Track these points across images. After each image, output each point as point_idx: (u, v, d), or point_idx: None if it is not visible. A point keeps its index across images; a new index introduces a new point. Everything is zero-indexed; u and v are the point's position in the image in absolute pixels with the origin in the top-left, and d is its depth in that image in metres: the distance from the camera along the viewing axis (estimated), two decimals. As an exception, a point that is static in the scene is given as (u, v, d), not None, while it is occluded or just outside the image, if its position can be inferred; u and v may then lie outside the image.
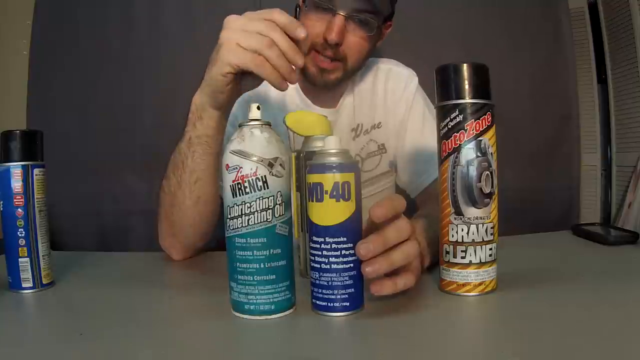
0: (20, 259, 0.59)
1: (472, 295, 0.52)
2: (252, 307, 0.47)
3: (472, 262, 0.52)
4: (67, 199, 1.27)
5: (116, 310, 0.53)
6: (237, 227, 0.47)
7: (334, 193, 0.46)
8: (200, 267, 0.74)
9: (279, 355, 0.42)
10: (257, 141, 0.47)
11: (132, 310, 0.54)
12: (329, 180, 0.46)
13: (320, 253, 0.47)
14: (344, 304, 0.47)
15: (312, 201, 0.48)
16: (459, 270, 0.52)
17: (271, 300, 0.47)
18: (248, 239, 0.47)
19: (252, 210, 0.46)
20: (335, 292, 0.47)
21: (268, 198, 0.46)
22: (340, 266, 0.47)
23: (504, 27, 1.40)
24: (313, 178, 0.47)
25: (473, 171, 0.51)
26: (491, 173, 0.52)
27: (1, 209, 0.59)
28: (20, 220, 0.58)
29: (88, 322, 0.50)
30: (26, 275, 0.59)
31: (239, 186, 0.46)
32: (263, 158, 0.46)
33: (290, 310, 0.49)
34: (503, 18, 1.40)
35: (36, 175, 0.60)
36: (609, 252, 0.73)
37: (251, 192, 0.46)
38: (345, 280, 0.47)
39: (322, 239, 0.47)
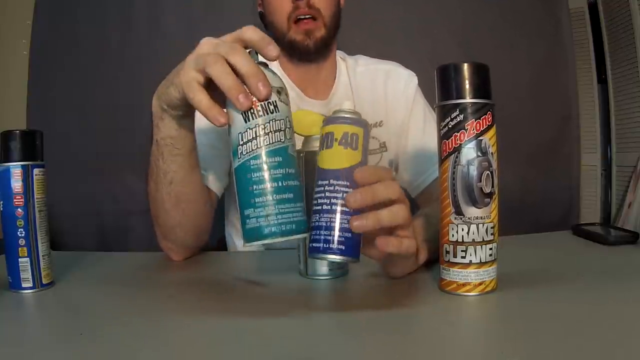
0: (20, 259, 0.58)
1: (472, 295, 0.52)
2: (273, 228, 0.46)
3: (472, 262, 0.52)
4: (67, 199, 1.27)
5: (116, 310, 0.53)
6: (252, 150, 0.47)
7: (343, 141, 0.48)
8: (200, 267, 0.74)
9: (277, 355, 0.42)
10: (265, 72, 0.48)
11: (132, 310, 0.54)
12: (340, 129, 0.49)
13: (323, 195, 0.48)
14: (340, 247, 0.47)
15: (323, 149, 0.50)
16: (459, 270, 0.52)
17: (292, 219, 0.47)
18: (264, 158, 0.47)
19: (266, 131, 0.47)
20: (333, 233, 0.47)
21: (279, 120, 0.48)
22: (341, 208, 0.47)
23: (504, 26, 1.40)
24: (326, 129, 0.50)
25: (473, 171, 0.51)
26: (491, 173, 0.52)
27: (1, 209, 0.59)
28: (20, 220, 0.58)
29: (88, 322, 0.50)
30: (26, 275, 0.59)
31: (252, 110, 0.47)
32: (272, 85, 0.47)
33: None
34: (503, 17, 1.40)
35: (36, 175, 0.60)
36: (609, 252, 0.73)
37: (264, 115, 0.47)
38: (344, 223, 0.47)
39: (326, 182, 0.48)
